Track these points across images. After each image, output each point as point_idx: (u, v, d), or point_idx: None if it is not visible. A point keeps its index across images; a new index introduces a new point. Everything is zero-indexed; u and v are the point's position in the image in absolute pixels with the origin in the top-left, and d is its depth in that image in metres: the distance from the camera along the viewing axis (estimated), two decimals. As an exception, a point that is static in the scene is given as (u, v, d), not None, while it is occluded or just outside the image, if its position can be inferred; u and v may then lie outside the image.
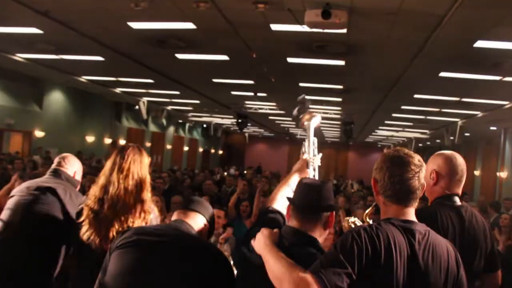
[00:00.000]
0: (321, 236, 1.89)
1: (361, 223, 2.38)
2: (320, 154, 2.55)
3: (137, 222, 2.35)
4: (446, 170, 2.31)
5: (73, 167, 3.20)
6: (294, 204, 1.92)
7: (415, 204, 1.74)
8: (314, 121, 2.60)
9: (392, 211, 1.73)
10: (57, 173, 3.05)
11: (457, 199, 2.31)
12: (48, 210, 2.69)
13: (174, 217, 2.14)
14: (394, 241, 1.60)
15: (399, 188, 1.71)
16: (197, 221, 2.12)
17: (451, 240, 2.01)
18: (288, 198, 2.00)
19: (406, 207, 1.72)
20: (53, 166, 3.16)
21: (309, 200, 1.89)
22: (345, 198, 7.69)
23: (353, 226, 2.39)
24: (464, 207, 2.31)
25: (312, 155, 2.54)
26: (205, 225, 2.17)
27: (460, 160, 2.33)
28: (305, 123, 2.62)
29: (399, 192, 1.71)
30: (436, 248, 1.66)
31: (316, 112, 2.60)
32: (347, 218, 2.46)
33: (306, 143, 2.58)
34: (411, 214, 1.73)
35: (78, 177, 3.19)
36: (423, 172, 1.74)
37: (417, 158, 1.75)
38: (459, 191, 2.33)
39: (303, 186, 1.94)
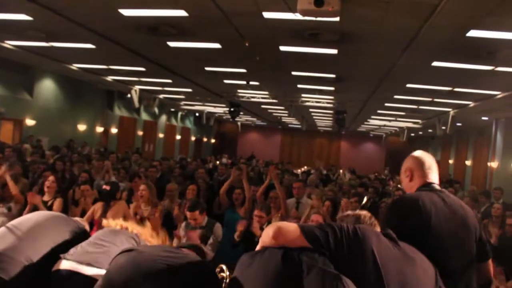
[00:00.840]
0: None
1: None
2: None
3: None
4: (416, 164, 2.51)
5: None
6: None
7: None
8: None
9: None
10: None
11: (436, 185, 2.42)
12: None
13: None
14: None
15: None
16: None
17: (436, 222, 2.15)
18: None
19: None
20: None
21: None
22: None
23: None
24: (444, 192, 2.40)
25: None
26: None
27: (427, 156, 2.56)
28: None
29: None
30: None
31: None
32: (340, 215, 2.50)
33: None
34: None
35: None
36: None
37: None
38: (434, 179, 2.46)
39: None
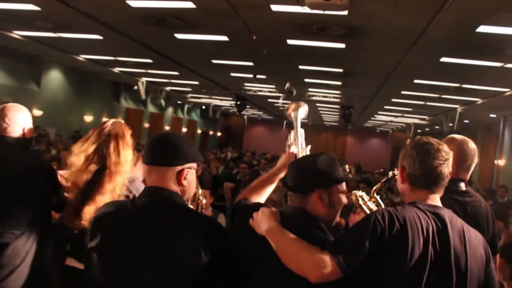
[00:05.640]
0: (325, 213, 1.82)
1: (367, 197, 2.42)
2: (309, 146, 2.37)
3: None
4: (455, 155, 2.25)
5: (20, 122, 2.62)
6: (288, 186, 1.89)
7: (442, 191, 1.79)
8: (301, 111, 2.44)
9: (419, 196, 1.75)
10: None
11: (462, 184, 2.33)
12: None
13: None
14: (413, 223, 1.61)
15: (429, 174, 1.74)
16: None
17: None
18: (282, 179, 2.01)
19: (433, 193, 1.76)
20: None
21: (302, 180, 1.85)
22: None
23: (360, 199, 2.38)
24: (468, 193, 2.32)
25: (300, 148, 2.34)
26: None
27: (471, 147, 2.36)
28: (292, 113, 2.46)
29: (428, 178, 1.75)
30: (468, 233, 1.70)
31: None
32: (354, 191, 2.43)
33: (292, 135, 2.40)
34: (437, 200, 1.77)
35: (30, 131, 2.64)
36: (450, 161, 1.77)
37: (445, 147, 1.78)
38: (466, 176, 2.35)
39: (294, 165, 1.92)
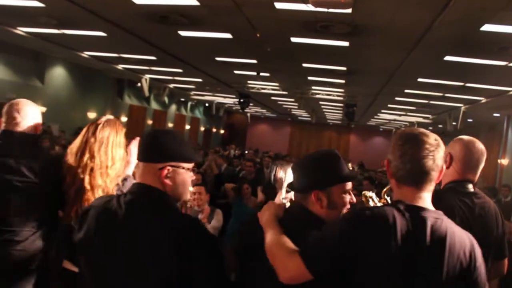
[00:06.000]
0: (326, 214, 1.79)
1: (377, 199, 2.32)
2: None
3: None
4: (461, 155, 2.28)
5: (33, 118, 2.60)
6: (293, 188, 1.90)
7: (430, 187, 1.61)
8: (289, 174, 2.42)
9: (404, 194, 1.61)
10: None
11: (470, 185, 2.26)
12: None
13: None
14: (387, 226, 1.50)
15: (411, 167, 1.58)
16: None
17: None
18: (289, 184, 1.99)
19: (419, 190, 1.59)
20: (3, 124, 2.55)
21: (301, 180, 1.86)
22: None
23: (370, 200, 2.36)
24: (476, 194, 2.27)
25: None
26: None
27: (478, 147, 2.30)
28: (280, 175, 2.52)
29: (411, 171, 1.58)
30: (451, 238, 1.53)
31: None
32: (364, 192, 2.40)
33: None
34: (424, 198, 1.60)
35: (40, 127, 2.66)
36: (439, 153, 1.60)
37: (433, 137, 1.62)
38: (474, 177, 2.28)
39: (297, 164, 1.95)
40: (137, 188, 1.69)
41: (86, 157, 2.35)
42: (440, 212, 1.59)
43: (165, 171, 1.66)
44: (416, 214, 1.54)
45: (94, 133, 2.40)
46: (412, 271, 1.49)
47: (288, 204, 2.13)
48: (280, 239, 1.65)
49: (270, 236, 1.69)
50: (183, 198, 1.75)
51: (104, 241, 1.63)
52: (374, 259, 1.49)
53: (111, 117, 2.58)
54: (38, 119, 2.62)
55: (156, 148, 1.68)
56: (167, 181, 1.67)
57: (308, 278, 1.54)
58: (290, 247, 1.61)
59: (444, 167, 1.63)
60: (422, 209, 1.57)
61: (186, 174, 1.72)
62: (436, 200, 1.67)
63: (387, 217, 1.52)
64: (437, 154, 1.59)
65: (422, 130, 1.65)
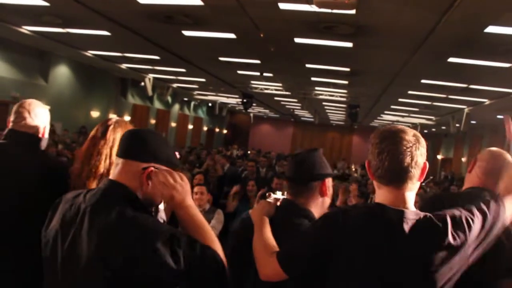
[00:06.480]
0: (318, 204, 1.95)
1: None
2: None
3: None
4: (484, 163, 2.23)
5: (41, 119, 2.48)
6: (287, 178, 2.02)
7: (411, 186, 1.53)
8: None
9: (384, 194, 1.54)
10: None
11: (486, 194, 2.14)
12: None
13: None
14: (356, 229, 1.49)
15: (389, 164, 1.51)
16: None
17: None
18: (282, 173, 2.10)
19: (398, 189, 1.52)
20: (11, 123, 2.41)
21: (297, 172, 1.97)
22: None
23: None
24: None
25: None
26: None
27: (503, 156, 2.24)
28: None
29: (388, 170, 1.51)
30: (420, 238, 1.45)
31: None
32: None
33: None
34: (405, 199, 1.52)
35: (47, 133, 2.52)
36: (418, 150, 1.53)
37: (411, 134, 1.56)
38: (494, 188, 2.16)
39: (291, 159, 2.04)
40: (108, 184, 1.57)
41: (95, 159, 2.15)
42: (419, 213, 1.52)
43: (148, 171, 1.56)
44: (392, 216, 1.48)
45: (104, 134, 2.20)
46: (370, 275, 1.46)
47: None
48: (264, 239, 1.74)
49: (256, 235, 1.78)
50: (156, 203, 1.65)
51: (61, 241, 1.53)
52: (347, 261, 1.49)
53: (122, 119, 2.39)
54: (47, 123, 2.52)
55: (143, 146, 1.58)
56: (149, 181, 1.56)
57: (285, 277, 1.61)
58: (272, 247, 1.70)
59: (427, 164, 1.55)
60: (398, 212, 1.49)
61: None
62: (453, 202, 1.64)
63: (360, 219, 1.52)
64: (416, 151, 1.52)
65: (400, 127, 1.59)
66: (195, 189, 4.78)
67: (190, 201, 1.57)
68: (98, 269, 1.40)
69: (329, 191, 1.96)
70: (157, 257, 1.37)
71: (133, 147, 1.59)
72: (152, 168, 1.56)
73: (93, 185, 2.07)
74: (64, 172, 2.27)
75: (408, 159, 1.50)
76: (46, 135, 2.48)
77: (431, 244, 1.45)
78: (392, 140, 1.53)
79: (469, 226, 1.49)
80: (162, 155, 1.59)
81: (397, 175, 1.51)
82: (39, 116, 2.44)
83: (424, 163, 1.54)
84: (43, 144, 2.47)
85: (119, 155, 1.62)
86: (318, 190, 1.94)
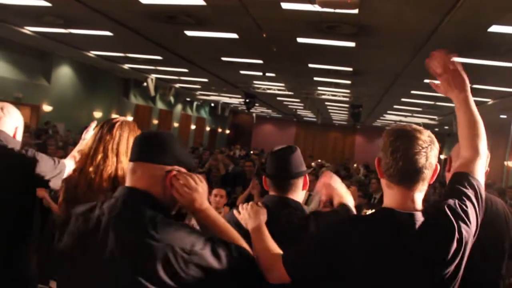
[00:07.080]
0: (300, 197, 2.08)
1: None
2: None
3: None
4: (455, 156, 2.27)
5: (14, 120, 2.44)
6: (268, 176, 2.07)
7: (422, 187, 1.50)
8: None
9: (394, 195, 1.51)
10: None
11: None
12: None
13: None
14: (367, 239, 1.45)
15: (402, 165, 1.46)
16: None
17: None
18: (263, 169, 2.13)
19: (410, 191, 1.48)
20: None
21: (281, 170, 2.03)
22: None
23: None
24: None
25: None
26: None
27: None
28: None
29: (401, 170, 1.47)
30: (434, 239, 1.43)
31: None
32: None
33: None
34: (415, 200, 1.49)
35: (19, 135, 2.47)
36: (433, 151, 1.50)
37: (426, 134, 1.52)
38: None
39: (272, 157, 2.08)
40: (129, 192, 1.49)
41: (100, 156, 2.07)
42: (426, 212, 1.49)
43: (172, 175, 1.51)
44: (401, 221, 1.46)
45: (110, 131, 2.15)
46: (374, 279, 1.44)
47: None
48: (266, 243, 1.68)
49: (256, 240, 1.70)
50: (175, 207, 1.60)
51: (83, 250, 1.45)
52: (354, 268, 1.45)
53: (127, 120, 2.39)
54: (20, 125, 2.47)
55: (166, 149, 1.52)
56: (173, 184, 1.51)
57: (287, 280, 1.57)
58: (276, 250, 1.65)
59: (439, 166, 1.52)
60: (410, 215, 1.47)
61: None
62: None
63: (368, 226, 1.49)
64: (431, 152, 1.49)
65: (414, 126, 1.55)
66: (215, 191, 4.86)
67: (207, 203, 1.57)
68: (139, 285, 1.33)
69: (307, 184, 2.09)
70: (201, 260, 1.37)
71: (155, 150, 1.52)
72: (175, 172, 1.52)
73: (98, 179, 2.02)
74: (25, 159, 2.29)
75: (422, 160, 1.47)
76: (18, 137, 2.44)
77: (444, 242, 1.43)
78: (407, 139, 1.48)
79: (467, 215, 1.50)
80: (183, 157, 1.56)
81: (409, 176, 1.48)
82: (11, 114, 2.41)
83: (436, 165, 1.51)
84: (16, 145, 2.39)
85: (137, 159, 1.52)
86: (301, 184, 2.07)
